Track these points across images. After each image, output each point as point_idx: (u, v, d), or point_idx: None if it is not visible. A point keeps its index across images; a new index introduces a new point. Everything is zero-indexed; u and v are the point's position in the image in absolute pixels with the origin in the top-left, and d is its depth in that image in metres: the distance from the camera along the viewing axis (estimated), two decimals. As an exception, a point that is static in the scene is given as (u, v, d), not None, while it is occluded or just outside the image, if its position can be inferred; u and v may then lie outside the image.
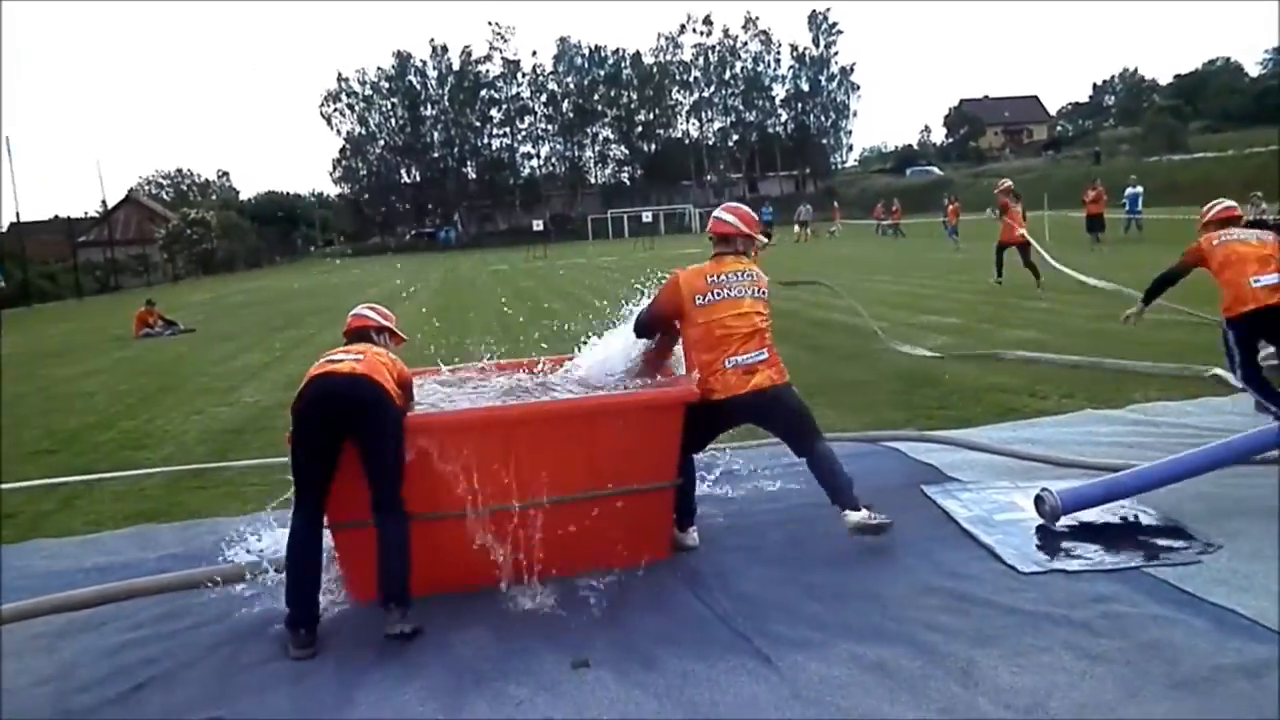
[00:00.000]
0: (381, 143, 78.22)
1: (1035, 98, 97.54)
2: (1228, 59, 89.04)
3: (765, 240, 5.20)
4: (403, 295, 23.46)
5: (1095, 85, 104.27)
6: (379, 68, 76.45)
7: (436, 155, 78.23)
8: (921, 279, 17.80)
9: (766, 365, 4.18)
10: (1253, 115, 71.63)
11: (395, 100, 77.01)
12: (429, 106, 77.78)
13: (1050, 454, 5.30)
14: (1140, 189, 27.20)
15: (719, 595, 3.77)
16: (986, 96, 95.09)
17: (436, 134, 78.24)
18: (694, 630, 3.47)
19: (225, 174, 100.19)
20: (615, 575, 3.96)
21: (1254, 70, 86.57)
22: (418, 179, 79.13)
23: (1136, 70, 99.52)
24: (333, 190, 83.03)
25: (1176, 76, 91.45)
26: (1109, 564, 3.80)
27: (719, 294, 4.21)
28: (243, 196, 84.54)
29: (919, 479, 5.12)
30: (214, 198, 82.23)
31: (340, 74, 79.22)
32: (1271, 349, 6.25)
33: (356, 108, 76.79)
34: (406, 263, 46.81)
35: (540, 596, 3.80)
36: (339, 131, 77.37)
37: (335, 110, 76.54)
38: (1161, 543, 4.01)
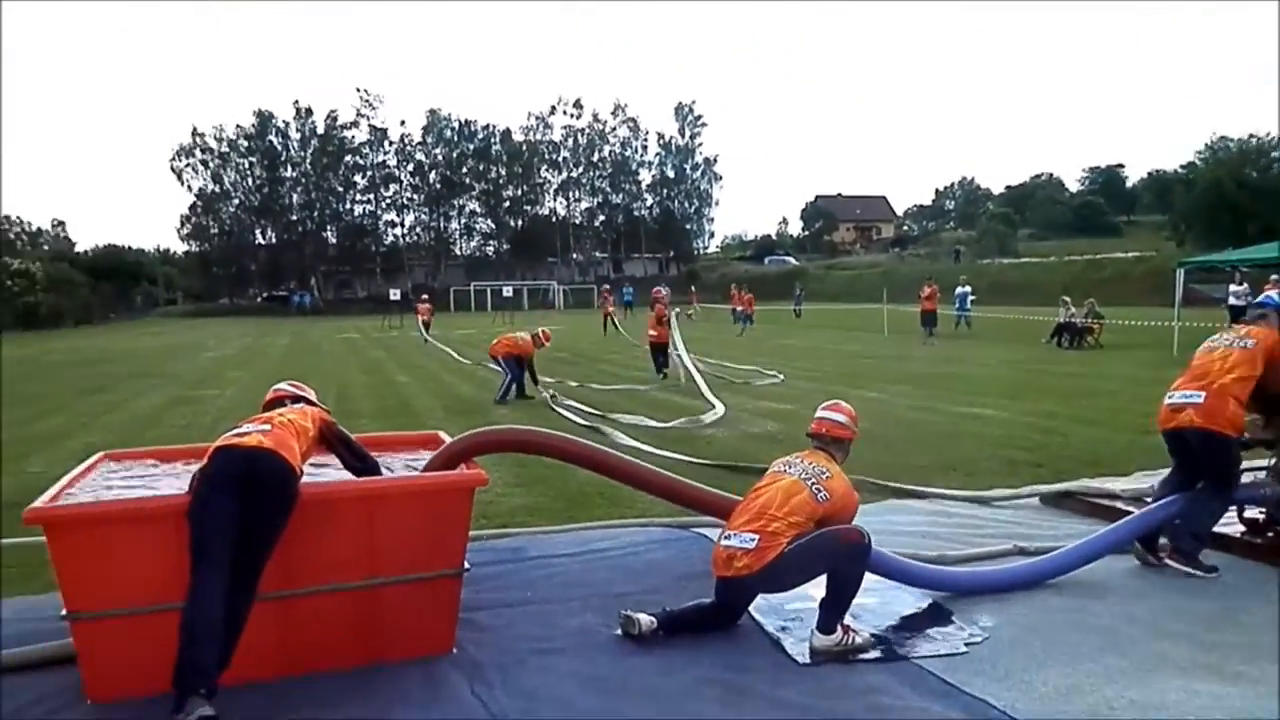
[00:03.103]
0: (236, 201, 75.54)
1: (884, 198, 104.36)
2: (1051, 174, 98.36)
3: None
4: (235, 362, 22.32)
5: (937, 190, 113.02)
6: (238, 125, 74.31)
7: (295, 218, 76.06)
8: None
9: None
10: (1071, 226, 79.36)
11: (254, 159, 74.74)
12: (289, 168, 75.89)
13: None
14: (969, 288, 29.21)
15: (497, 690, 3.62)
16: (840, 194, 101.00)
17: (296, 196, 76.22)
18: (460, 729, 3.31)
19: (61, 224, 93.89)
20: (389, 669, 3.76)
21: (1074, 186, 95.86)
22: (273, 240, 76.62)
23: (974, 179, 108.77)
24: (180, 247, 79.48)
25: (1008, 187, 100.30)
26: (882, 655, 3.88)
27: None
28: (79, 248, 79.58)
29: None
30: (45, 248, 76.76)
31: (195, 128, 76.05)
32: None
33: (211, 164, 74.09)
34: (253, 326, 44.89)
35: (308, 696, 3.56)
36: (190, 188, 74.24)
37: (188, 165, 73.61)
38: (934, 632, 4.14)
